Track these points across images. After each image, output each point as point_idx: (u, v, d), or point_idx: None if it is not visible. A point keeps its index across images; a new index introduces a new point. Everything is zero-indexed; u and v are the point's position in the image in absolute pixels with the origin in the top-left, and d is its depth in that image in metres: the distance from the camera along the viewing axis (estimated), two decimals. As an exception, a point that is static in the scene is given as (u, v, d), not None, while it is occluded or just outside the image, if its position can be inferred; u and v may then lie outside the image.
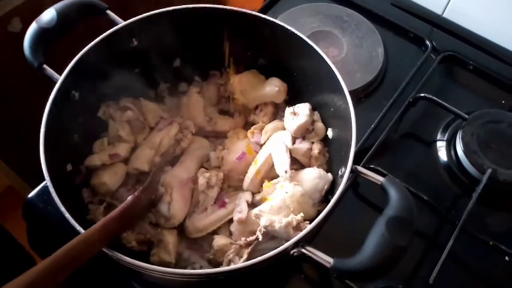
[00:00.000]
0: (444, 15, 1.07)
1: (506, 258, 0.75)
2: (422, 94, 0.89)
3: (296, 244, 0.54)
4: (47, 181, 0.57)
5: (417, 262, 0.74)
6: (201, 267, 0.67)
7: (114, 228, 0.59)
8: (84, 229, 0.55)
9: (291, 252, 0.55)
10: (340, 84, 0.67)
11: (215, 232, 0.70)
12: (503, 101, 0.94)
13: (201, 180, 0.71)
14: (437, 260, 0.70)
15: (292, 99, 0.82)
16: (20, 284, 0.48)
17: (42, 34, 0.67)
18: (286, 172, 0.69)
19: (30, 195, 0.77)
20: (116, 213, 0.60)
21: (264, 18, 0.75)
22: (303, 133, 0.75)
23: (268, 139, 0.76)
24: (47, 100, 0.63)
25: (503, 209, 0.82)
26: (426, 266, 0.73)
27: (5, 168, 1.24)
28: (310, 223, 0.58)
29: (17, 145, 1.12)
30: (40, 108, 0.62)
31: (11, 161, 1.22)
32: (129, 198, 0.64)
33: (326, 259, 0.52)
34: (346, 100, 0.66)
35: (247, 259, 0.62)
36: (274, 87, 0.79)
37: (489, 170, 0.79)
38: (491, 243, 0.75)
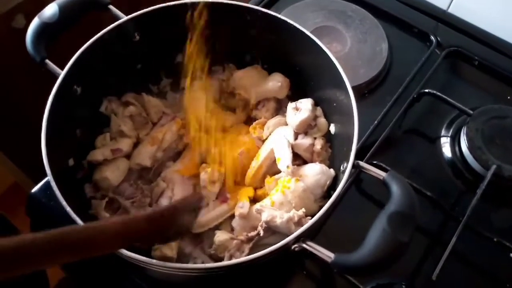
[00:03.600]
0: (449, 10, 1.06)
1: (511, 254, 0.74)
2: (426, 90, 0.88)
3: (297, 239, 0.54)
4: (49, 176, 0.57)
5: (420, 259, 0.74)
6: (202, 262, 0.67)
7: (138, 230, 0.51)
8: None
9: (292, 247, 0.55)
10: (343, 79, 0.66)
11: (217, 227, 0.70)
12: (508, 97, 0.93)
13: (203, 176, 0.71)
14: (441, 256, 0.70)
15: (295, 94, 0.81)
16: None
17: (45, 29, 0.67)
18: (288, 167, 0.69)
19: (33, 190, 0.77)
20: (144, 214, 0.54)
21: (267, 13, 0.74)
22: (305, 128, 0.75)
23: (270, 134, 0.76)
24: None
25: (507, 206, 0.81)
26: (429, 262, 0.72)
27: (9, 164, 1.25)
28: (312, 218, 0.58)
29: (21, 141, 1.12)
30: (44, 103, 0.63)
31: (15, 157, 1.23)
32: (164, 205, 0.58)
33: (327, 254, 0.52)
34: (349, 95, 0.65)
35: (248, 255, 0.62)
36: (276, 83, 0.79)
37: (494, 166, 0.78)
38: (495, 239, 0.74)
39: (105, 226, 0.49)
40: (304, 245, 0.54)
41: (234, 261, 0.54)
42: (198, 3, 0.72)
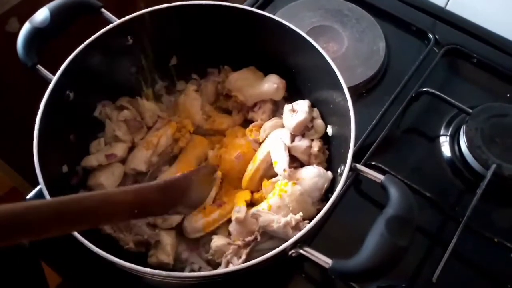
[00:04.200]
0: (448, 8, 1.04)
1: (512, 255, 0.74)
2: (424, 89, 0.87)
3: (294, 245, 0.53)
4: (41, 184, 0.56)
5: (420, 260, 0.73)
6: (200, 268, 0.67)
7: (151, 200, 0.48)
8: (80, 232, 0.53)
9: (289, 253, 0.54)
10: (339, 80, 0.65)
11: (213, 232, 0.69)
12: (508, 95, 0.92)
13: (199, 180, 0.70)
14: (441, 258, 0.69)
15: (291, 96, 0.80)
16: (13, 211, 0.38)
17: (36, 34, 0.66)
18: (284, 171, 0.68)
19: (28, 197, 0.76)
20: (157, 183, 0.52)
21: (262, 14, 0.73)
22: (302, 130, 0.74)
23: (267, 137, 0.75)
24: (45, 101, 0.62)
25: (508, 205, 0.80)
26: (430, 264, 0.71)
27: (7, 169, 1.24)
28: (309, 222, 0.57)
29: (18, 145, 1.11)
30: (39, 106, 0.62)
31: (13, 161, 1.22)
32: (177, 175, 0.56)
33: (325, 260, 0.51)
34: (345, 96, 0.64)
35: (245, 260, 0.61)
36: (272, 84, 0.78)
37: (494, 166, 0.77)
38: (496, 240, 0.74)
39: (114, 195, 0.47)
40: (301, 251, 0.53)
41: (229, 269, 0.53)
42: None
